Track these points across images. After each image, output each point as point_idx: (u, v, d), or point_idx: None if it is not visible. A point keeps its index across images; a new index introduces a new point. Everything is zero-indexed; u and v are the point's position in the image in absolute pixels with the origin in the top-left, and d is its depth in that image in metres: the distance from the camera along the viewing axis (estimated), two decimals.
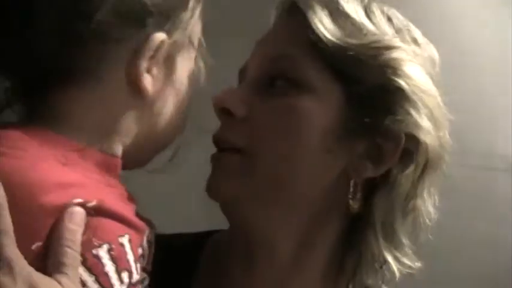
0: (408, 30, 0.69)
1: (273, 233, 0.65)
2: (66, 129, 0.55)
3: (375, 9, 0.68)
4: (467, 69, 1.64)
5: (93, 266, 0.51)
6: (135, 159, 0.61)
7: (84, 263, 0.50)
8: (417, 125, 0.63)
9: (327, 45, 0.62)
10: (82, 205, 0.51)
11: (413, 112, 0.63)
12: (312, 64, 0.63)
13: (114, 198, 0.55)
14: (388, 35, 0.65)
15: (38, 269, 0.48)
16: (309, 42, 0.63)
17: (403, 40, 0.66)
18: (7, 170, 0.50)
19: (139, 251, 0.56)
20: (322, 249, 0.66)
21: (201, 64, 0.63)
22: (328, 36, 0.63)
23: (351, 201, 0.63)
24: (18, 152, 0.52)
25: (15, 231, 0.47)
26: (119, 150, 0.59)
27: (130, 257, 0.54)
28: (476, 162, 1.63)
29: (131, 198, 0.59)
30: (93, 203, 0.52)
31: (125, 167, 0.60)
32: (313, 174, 0.64)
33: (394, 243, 0.65)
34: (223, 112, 0.65)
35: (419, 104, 0.63)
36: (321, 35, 0.63)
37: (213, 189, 0.65)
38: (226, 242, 0.71)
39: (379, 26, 0.66)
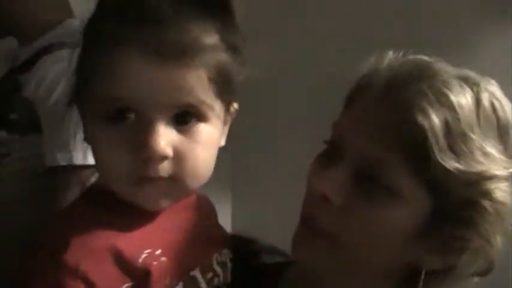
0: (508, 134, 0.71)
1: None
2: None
3: (486, 103, 0.69)
4: None
5: None
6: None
7: None
8: (489, 242, 0.69)
9: (435, 166, 0.65)
10: (150, 254, 0.61)
11: (489, 232, 0.68)
12: (409, 175, 0.66)
13: (172, 239, 0.65)
14: (494, 161, 0.68)
15: None
16: (412, 153, 0.66)
17: (506, 154, 0.70)
18: None
19: (209, 275, 0.67)
20: None
21: None
22: (444, 164, 0.65)
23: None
24: None
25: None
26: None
27: (203, 284, 0.66)
28: None
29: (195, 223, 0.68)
30: (159, 251, 0.62)
31: None
32: (386, 263, 0.71)
33: None
34: (322, 197, 0.69)
35: (498, 226, 0.69)
36: (435, 162, 0.65)
37: (299, 254, 0.72)
38: (297, 277, 0.79)
39: (487, 143, 0.68)
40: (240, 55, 0.64)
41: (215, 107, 0.61)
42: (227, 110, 0.66)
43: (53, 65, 1.13)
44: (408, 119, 0.65)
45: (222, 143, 0.67)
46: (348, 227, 0.68)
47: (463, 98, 0.67)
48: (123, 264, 0.60)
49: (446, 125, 0.65)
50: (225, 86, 0.62)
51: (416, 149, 0.65)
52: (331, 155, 0.72)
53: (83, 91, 0.61)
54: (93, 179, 1.06)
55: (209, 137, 0.62)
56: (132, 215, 0.62)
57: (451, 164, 0.65)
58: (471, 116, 0.67)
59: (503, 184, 0.68)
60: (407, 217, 0.67)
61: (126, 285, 0.60)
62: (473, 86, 0.69)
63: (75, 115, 0.65)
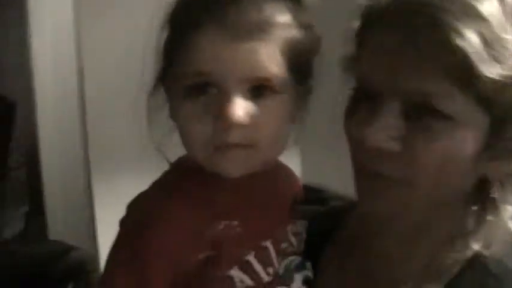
0: None
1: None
2: None
3: None
4: None
5: (247, 268, 0.67)
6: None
7: (239, 267, 0.67)
8: None
9: (483, 81, 0.63)
10: (226, 226, 0.66)
11: None
12: (461, 99, 0.64)
13: (248, 211, 0.68)
14: None
15: (199, 273, 0.65)
16: (458, 75, 0.63)
17: None
18: None
19: (284, 245, 0.71)
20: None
21: None
22: (492, 76, 0.63)
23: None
24: None
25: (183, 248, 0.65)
26: None
27: (273, 255, 0.69)
28: None
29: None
30: (235, 223, 0.67)
31: None
32: (460, 186, 0.70)
33: None
34: (379, 150, 0.67)
35: None
36: (483, 77, 0.63)
37: (375, 207, 0.70)
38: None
39: None
40: (313, 34, 0.67)
41: (287, 82, 0.65)
42: (301, 87, 0.68)
43: None
44: (442, 43, 0.62)
45: (297, 118, 0.70)
46: (416, 167, 0.66)
47: (488, 3, 0.64)
48: (201, 235, 0.65)
49: (483, 36, 0.62)
50: (297, 62, 0.66)
51: (461, 71, 0.62)
52: (365, 102, 0.68)
53: (171, 71, 0.67)
54: None
55: (282, 109, 0.66)
56: (214, 186, 0.67)
57: (499, 73, 0.62)
58: (501, 18, 0.64)
59: None
60: (469, 139, 0.66)
61: (202, 255, 0.64)
62: None
63: None
